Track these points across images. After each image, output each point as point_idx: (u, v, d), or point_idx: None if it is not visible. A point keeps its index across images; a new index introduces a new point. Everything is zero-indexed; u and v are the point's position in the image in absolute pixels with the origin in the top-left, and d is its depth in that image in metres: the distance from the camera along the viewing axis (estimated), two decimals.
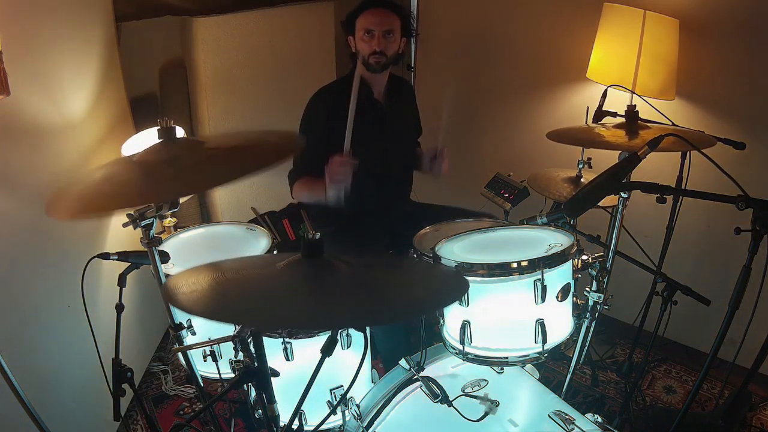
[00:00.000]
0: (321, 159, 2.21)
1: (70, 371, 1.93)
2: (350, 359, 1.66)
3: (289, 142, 1.44)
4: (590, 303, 1.79)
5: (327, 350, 1.15)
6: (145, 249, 1.49)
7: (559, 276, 1.57)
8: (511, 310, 1.60)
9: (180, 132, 1.42)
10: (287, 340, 1.57)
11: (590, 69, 2.56)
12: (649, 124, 1.91)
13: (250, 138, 1.47)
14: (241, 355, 1.21)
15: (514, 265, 1.51)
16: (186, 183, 1.29)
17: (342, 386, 1.59)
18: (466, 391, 1.57)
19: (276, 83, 3.07)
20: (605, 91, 2.26)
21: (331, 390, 1.59)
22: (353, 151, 2.23)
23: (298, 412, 1.25)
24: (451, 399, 1.53)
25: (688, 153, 2.21)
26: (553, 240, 1.63)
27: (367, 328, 1.30)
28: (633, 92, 2.26)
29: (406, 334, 2.21)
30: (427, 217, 2.31)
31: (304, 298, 1.06)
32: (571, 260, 1.61)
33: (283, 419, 1.30)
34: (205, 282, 1.07)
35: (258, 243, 1.92)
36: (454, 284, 1.24)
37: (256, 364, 1.17)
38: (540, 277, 1.50)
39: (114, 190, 1.26)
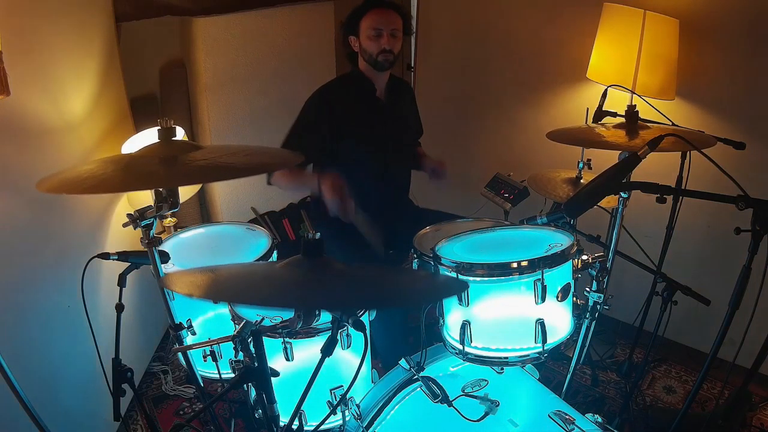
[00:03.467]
0: (314, 157, 2.20)
1: (70, 371, 1.93)
2: (350, 359, 1.66)
3: (282, 160, 1.46)
4: (590, 303, 1.79)
5: (327, 350, 1.15)
6: (145, 249, 1.49)
7: (559, 276, 1.57)
8: (511, 310, 1.60)
9: (180, 132, 1.43)
10: (287, 340, 1.57)
11: (590, 69, 2.56)
12: (649, 124, 1.91)
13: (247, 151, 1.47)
14: (241, 355, 1.21)
15: (514, 265, 1.51)
16: (174, 178, 1.31)
17: (342, 386, 1.59)
18: (466, 391, 1.57)
19: (276, 83, 3.08)
20: (605, 91, 2.26)
21: (331, 390, 1.59)
22: (351, 149, 2.24)
23: (298, 412, 1.24)
24: (451, 399, 1.53)
25: (688, 153, 2.21)
26: (553, 240, 1.63)
27: (367, 329, 1.30)
28: (633, 92, 2.26)
29: (405, 335, 2.21)
30: (427, 217, 2.32)
31: (303, 285, 1.06)
32: (571, 260, 1.61)
33: (283, 419, 1.30)
34: (203, 275, 1.07)
35: (258, 243, 1.92)
36: (453, 283, 1.24)
37: (256, 364, 1.17)
38: (540, 277, 1.50)
39: (98, 177, 1.28)
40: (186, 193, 2.47)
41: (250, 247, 1.91)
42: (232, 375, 1.60)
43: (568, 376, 1.99)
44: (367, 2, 2.15)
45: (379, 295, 1.04)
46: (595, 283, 1.77)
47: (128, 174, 1.28)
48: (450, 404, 1.52)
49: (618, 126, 1.85)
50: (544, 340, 1.53)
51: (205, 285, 1.05)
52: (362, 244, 2.24)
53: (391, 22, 2.12)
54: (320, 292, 1.01)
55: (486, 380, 1.62)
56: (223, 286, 1.05)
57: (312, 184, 2.04)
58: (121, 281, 1.55)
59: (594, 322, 1.85)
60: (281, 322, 1.44)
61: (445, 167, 2.35)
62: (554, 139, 1.80)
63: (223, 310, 1.65)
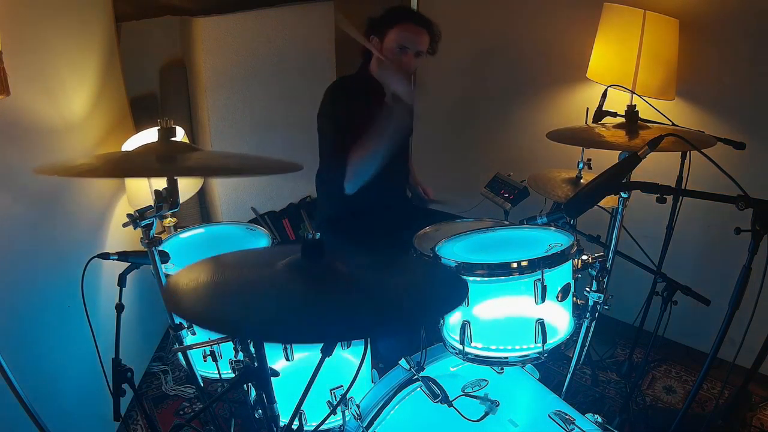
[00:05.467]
0: (349, 143, 2.11)
1: (70, 371, 1.93)
2: (350, 359, 1.66)
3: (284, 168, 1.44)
4: (590, 303, 1.79)
5: (327, 350, 1.15)
6: (145, 249, 1.49)
7: (559, 276, 1.57)
8: (511, 310, 1.60)
9: (180, 132, 1.43)
10: None
11: (590, 69, 2.56)
12: (648, 124, 1.91)
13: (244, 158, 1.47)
14: (241, 355, 1.21)
15: (514, 265, 1.51)
16: (166, 170, 1.32)
17: (342, 386, 1.59)
18: (466, 391, 1.57)
19: (276, 83, 3.07)
20: (605, 91, 2.26)
21: (331, 390, 1.59)
22: (355, 152, 2.23)
23: (298, 412, 1.24)
24: (451, 399, 1.53)
25: (688, 153, 2.21)
26: (553, 240, 1.63)
27: None
28: (633, 92, 2.26)
29: (406, 335, 2.21)
30: (427, 217, 2.32)
31: (302, 308, 1.05)
32: (571, 260, 1.61)
33: (283, 419, 1.30)
34: (204, 285, 1.07)
35: (258, 243, 1.92)
36: (453, 288, 1.23)
37: (256, 364, 1.17)
38: (540, 277, 1.50)
39: (92, 164, 1.31)
40: (186, 193, 2.47)
41: (250, 247, 1.91)
42: (232, 375, 1.60)
43: (568, 376, 1.99)
44: (401, 12, 2.05)
45: (385, 322, 1.04)
46: (595, 283, 1.77)
47: (122, 163, 1.29)
48: (450, 404, 1.52)
49: (618, 126, 1.85)
50: (544, 340, 1.53)
51: (205, 310, 1.04)
52: (362, 243, 2.24)
53: (420, 43, 2.03)
54: (324, 323, 1.00)
55: (486, 380, 1.62)
56: (221, 315, 1.04)
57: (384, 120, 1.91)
58: (121, 281, 1.55)
59: (594, 322, 1.85)
60: None
61: (429, 197, 2.37)
62: (554, 139, 1.80)
63: None
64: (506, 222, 2.21)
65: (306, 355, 1.60)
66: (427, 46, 2.09)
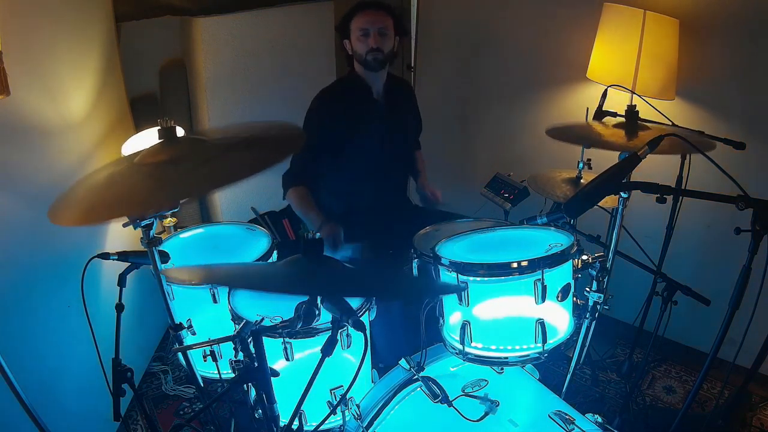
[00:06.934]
0: (319, 162, 2.20)
1: (70, 371, 1.93)
2: (350, 359, 1.66)
3: (291, 136, 1.42)
4: (590, 303, 1.79)
5: (327, 350, 1.15)
6: (145, 249, 1.49)
7: (559, 276, 1.57)
8: (511, 310, 1.60)
9: (180, 132, 1.42)
10: (287, 340, 1.57)
11: (590, 69, 2.56)
12: (648, 125, 1.90)
13: (252, 131, 1.44)
14: (241, 355, 1.21)
15: (514, 265, 1.51)
16: (190, 185, 1.26)
17: (342, 386, 1.59)
18: (466, 391, 1.57)
19: (276, 83, 3.08)
20: (605, 91, 2.25)
21: (331, 390, 1.59)
22: (350, 150, 2.24)
23: (298, 412, 1.24)
24: (451, 399, 1.53)
25: (688, 153, 2.21)
26: (553, 240, 1.63)
27: (367, 329, 1.29)
28: (633, 92, 2.26)
29: (406, 335, 2.21)
30: (427, 216, 2.32)
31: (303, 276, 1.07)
32: (571, 260, 1.61)
33: (283, 419, 1.30)
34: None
35: (258, 243, 1.92)
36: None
37: (256, 364, 1.17)
38: (540, 277, 1.50)
39: (117, 196, 1.23)
40: None
41: (250, 247, 1.91)
42: (232, 375, 1.60)
43: (568, 376, 1.99)
44: (357, 5, 2.15)
45: (376, 287, 1.06)
46: (595, 283, 1.77)
47: (149, 190, 1.22)
48: (450, 404, 1.52)
49: (617, 125, 1.84)
50: (544, 340, 1.53)
51: (207, 274, 1.06)
52: (361, 244, 2.25)
53: (379, 22, 2.12)
54: (320, 280, 1.02)
55: (486, 380, 1.63)
56: (225, 275, 1.06)
57: (314, 224, 2.08)
58: (121, 281, 1.55)
59: (594, 322, 1.85)
60: (281, 322, 1.44)
61: (438, 200, 2.36)
62: (553, 136, 1.79)
63: (223, 309, 1.65)
64: (506, 222, 2.21)
65: (306, 354, 1.60)
66: (389, 24, 2.15)
